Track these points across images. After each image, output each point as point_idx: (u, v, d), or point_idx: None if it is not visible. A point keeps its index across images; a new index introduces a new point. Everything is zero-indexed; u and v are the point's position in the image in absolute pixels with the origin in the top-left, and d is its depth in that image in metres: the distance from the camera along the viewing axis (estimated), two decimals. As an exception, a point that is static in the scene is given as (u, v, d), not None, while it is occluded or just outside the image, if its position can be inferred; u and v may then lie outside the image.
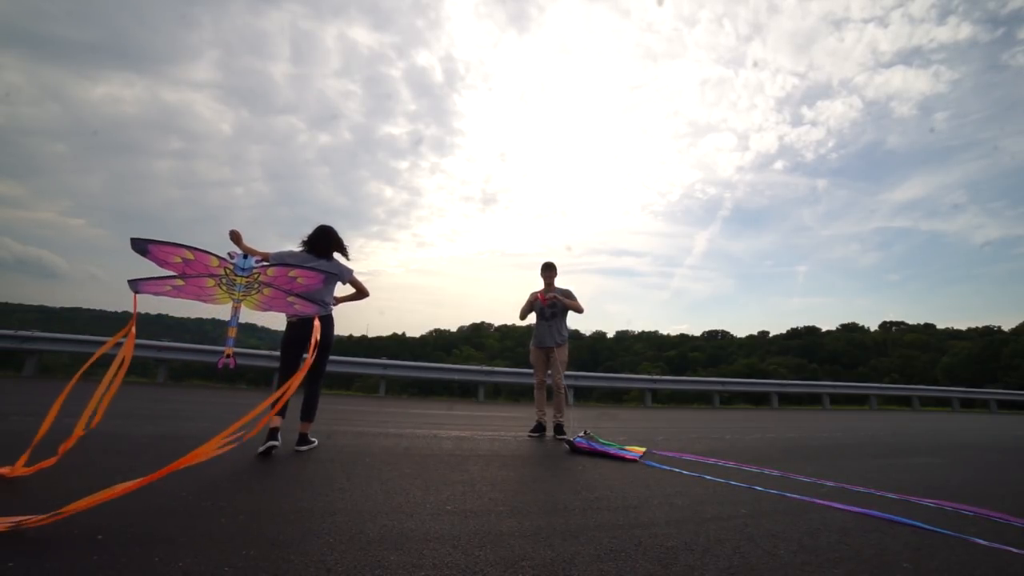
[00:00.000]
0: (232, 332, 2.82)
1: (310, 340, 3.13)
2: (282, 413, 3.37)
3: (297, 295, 3.03)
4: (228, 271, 2.77)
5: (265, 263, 2.95)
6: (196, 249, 2.67)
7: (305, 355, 3.17)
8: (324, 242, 3.57)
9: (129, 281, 2.64)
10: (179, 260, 2.64)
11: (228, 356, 2.76)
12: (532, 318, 5.34)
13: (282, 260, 3.32)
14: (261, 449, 3.19)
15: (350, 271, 3.66)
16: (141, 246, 2.58)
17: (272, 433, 3.30)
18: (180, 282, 2.67)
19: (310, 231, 3.61)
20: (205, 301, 2.76)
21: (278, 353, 3.61)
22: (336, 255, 3.64)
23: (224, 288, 2.77)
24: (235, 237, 3.30)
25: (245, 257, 2.85)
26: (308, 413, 3.58)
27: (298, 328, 3.46)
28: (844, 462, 4.40)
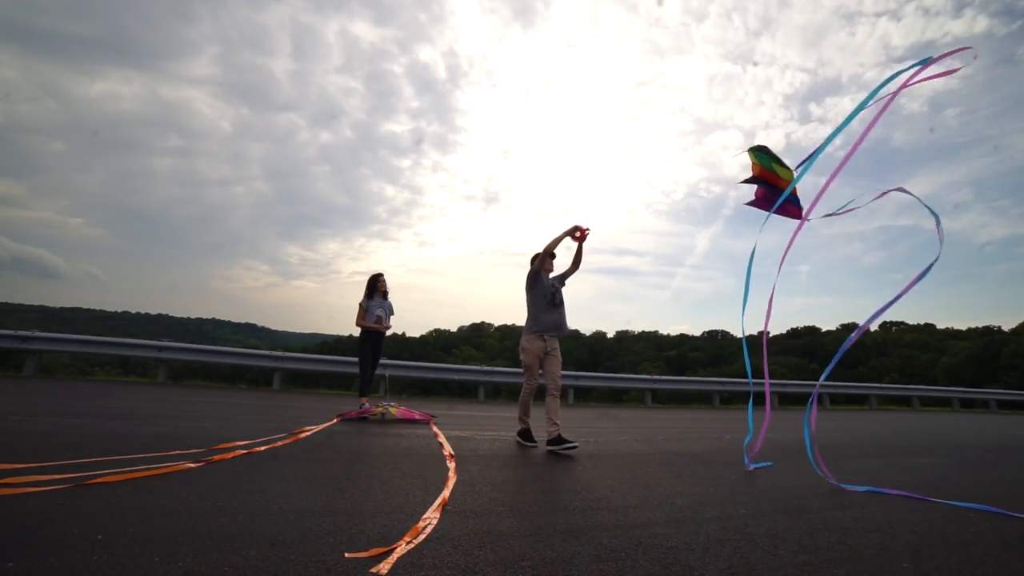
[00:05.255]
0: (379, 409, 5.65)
1: (379, 349, 6.20)
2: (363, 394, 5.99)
3: (410, 408, 5.91)
4: (383, 409, 5.62)
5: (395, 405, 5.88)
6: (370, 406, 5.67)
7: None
8: (385, 290, 6.23)
9: (338, 415, 5.29)
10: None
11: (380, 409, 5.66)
12: (526, 308, 4.47)
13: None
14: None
15: (393, 311, 6.33)
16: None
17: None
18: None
19: (373, 278, 6.18)
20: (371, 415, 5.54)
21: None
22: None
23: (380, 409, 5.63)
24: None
25: (390, 406, 5.71)
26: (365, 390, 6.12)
27: (371, 339, 6.06)
28: (844, 462, 4.40)
